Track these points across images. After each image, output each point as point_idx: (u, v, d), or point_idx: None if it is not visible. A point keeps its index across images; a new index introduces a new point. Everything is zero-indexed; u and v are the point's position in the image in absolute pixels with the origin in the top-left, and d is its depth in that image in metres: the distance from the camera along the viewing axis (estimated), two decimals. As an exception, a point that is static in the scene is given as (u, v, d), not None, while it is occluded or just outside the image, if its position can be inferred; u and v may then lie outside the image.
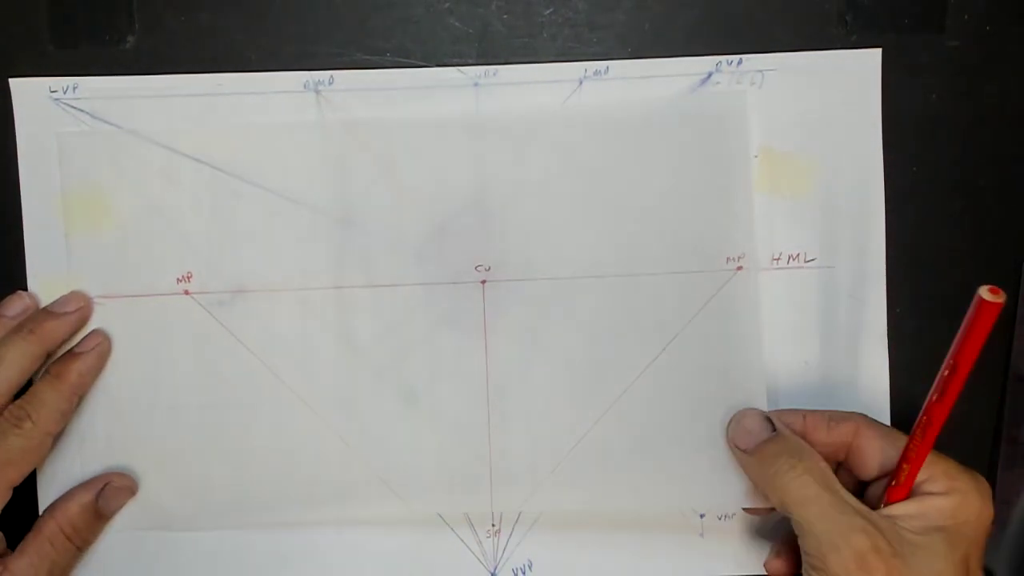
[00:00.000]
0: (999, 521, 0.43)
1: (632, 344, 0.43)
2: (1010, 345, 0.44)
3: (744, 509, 0.42)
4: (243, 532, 0.43)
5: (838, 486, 0.37)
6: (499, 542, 0.44)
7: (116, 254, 0.43)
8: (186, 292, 0.43)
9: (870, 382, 0.43)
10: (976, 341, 0.32)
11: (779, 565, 0.41)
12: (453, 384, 0.43)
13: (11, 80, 0.42)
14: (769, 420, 0.40)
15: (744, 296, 0.43)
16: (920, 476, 0.36)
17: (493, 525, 0.44)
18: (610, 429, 0.43)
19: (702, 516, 0.44)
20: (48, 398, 0.40)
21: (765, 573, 0.43)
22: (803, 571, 0.37)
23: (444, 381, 0.43)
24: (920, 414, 0.35)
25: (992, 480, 0.44)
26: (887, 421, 0.43)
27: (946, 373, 0.33)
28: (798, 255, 0.43)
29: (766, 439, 0.39)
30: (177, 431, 0.43)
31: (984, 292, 0.31)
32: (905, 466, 0.36)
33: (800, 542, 0.37)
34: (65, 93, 0.42)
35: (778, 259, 0.43)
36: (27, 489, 0.42)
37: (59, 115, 0.42)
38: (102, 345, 0.42)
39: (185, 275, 0.43)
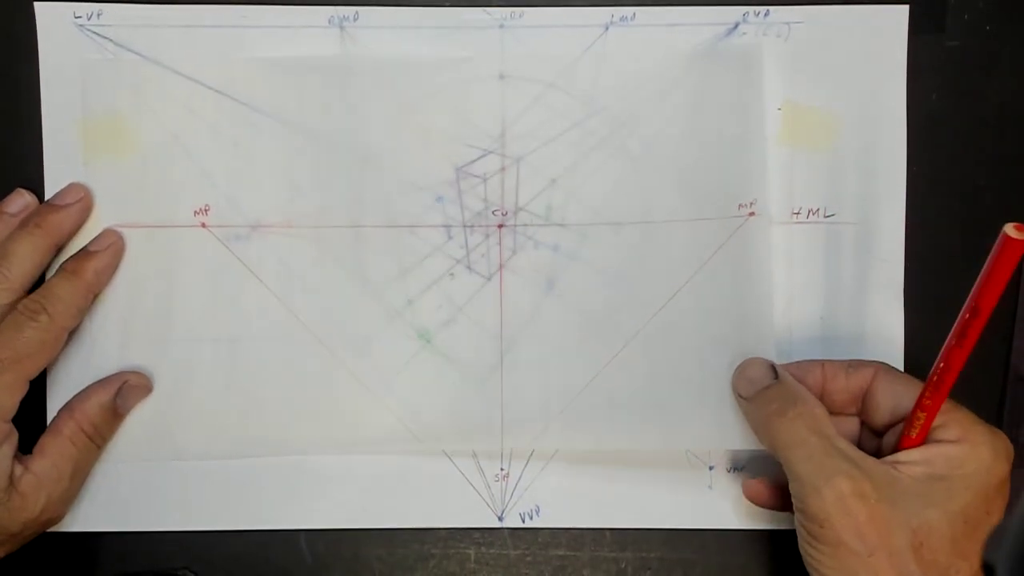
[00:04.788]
0: (999, 519, 0.43)
1: (645, 290, 0.43)
2: (1010, 345, 0.44)
3: (744, 487, 0.43)
4: (252, 463, 0.43)
5: (831, 432, 0.36)
6: (507, 487, 0.44)
7: (134, 184, 0.43)
8: (203, 225, 0.43)
9: (885, 339, 0.43)
10: (999, 280, 0.31)
11: (753, 486, 0.42)
12: (467, 326, 0.43)
13: (36, 3, 0.42)
14: (773, 368, 0.40)
15: (755, 242, 0.43)
16: (935, 422, 0.36)
17: (502, 470, 0.44)
18: (620, 374, 0.43)
19: (711, 468, 0.44)
20: (64, 293, 0.40)
21: (774, 528, 0.43)
22: (795, 518, 0.37)
23: (458, 323, 0.43)
24: (937, 360, 0.34)
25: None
26: (901, 378, 0.43)
27: (967, 316, 0.32)
28: (818, 210, 0.43)
29: (766, 386, 0.39)
30: (190, 363, 0.43)
31: (1010, 229, 0.30)
32: (920, 414, 0.36)
33: (790, 487, 0.36)
34: (89, 19, 0.42)
35: (798, 213, 0.43)
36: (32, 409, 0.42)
37: (83, 41, 0.42)
38: (116, 244, 0.42)
39: (203, 208, 0.43)
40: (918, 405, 0.36)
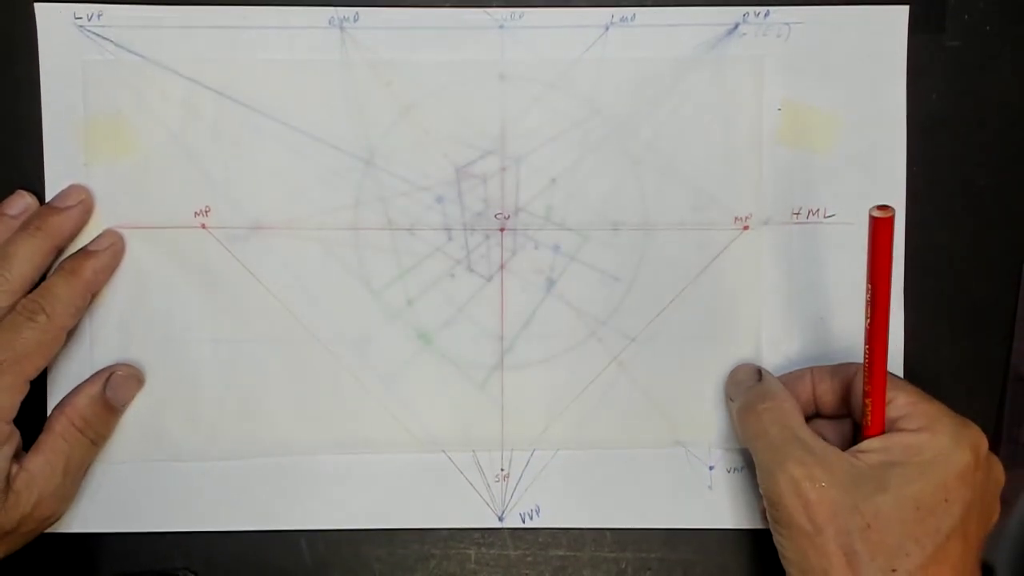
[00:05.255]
0: (999, 520, 0.43)
1: (644, 292, 0.43)
2: (1010, 345, 0.44)
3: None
4: (252, 463, 0.43)
5: (795, 424, 0.37)
6: (507, 487, 0.44)
7: (135, 185, 0.43)
8: (203, 226, 0.43)
9: (885, 339, 0.43)
10: (883, 257, 0.34)
11: None
12: (467, 327, 0.43)
13: (36, 4, 0.42)
14: (759, 372, 0.41)
15: (747, 256, 0.43)
16: (899, 412, 0.37)
17: (502, 470, 0.44)
18: (620, 374, 0.43)
19: (711, 468, 0.44)
20: (62, 293, 0.40)
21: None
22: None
23: (458, 325, 0.43)
24: (864, 346, 0.36)
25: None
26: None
27: (867, 297, 0.35)
28: (818, 210, 0.43)
29: (748, 387, 0.40)
30: (190, 364, 0.43)
31: (874, 211, 0.35)
32: (867, 401, 0.37)
33: (757, 477, 0.38)
34: (90, 20, 0.42)
35: (798, 213, 0.43)
36: (35, 404, 0.42)
37: (83, 42, 0.42)
38: (116, 244, 0.42)
39: (203, 209, 0.43)
40: (864, 393, 0.37)
